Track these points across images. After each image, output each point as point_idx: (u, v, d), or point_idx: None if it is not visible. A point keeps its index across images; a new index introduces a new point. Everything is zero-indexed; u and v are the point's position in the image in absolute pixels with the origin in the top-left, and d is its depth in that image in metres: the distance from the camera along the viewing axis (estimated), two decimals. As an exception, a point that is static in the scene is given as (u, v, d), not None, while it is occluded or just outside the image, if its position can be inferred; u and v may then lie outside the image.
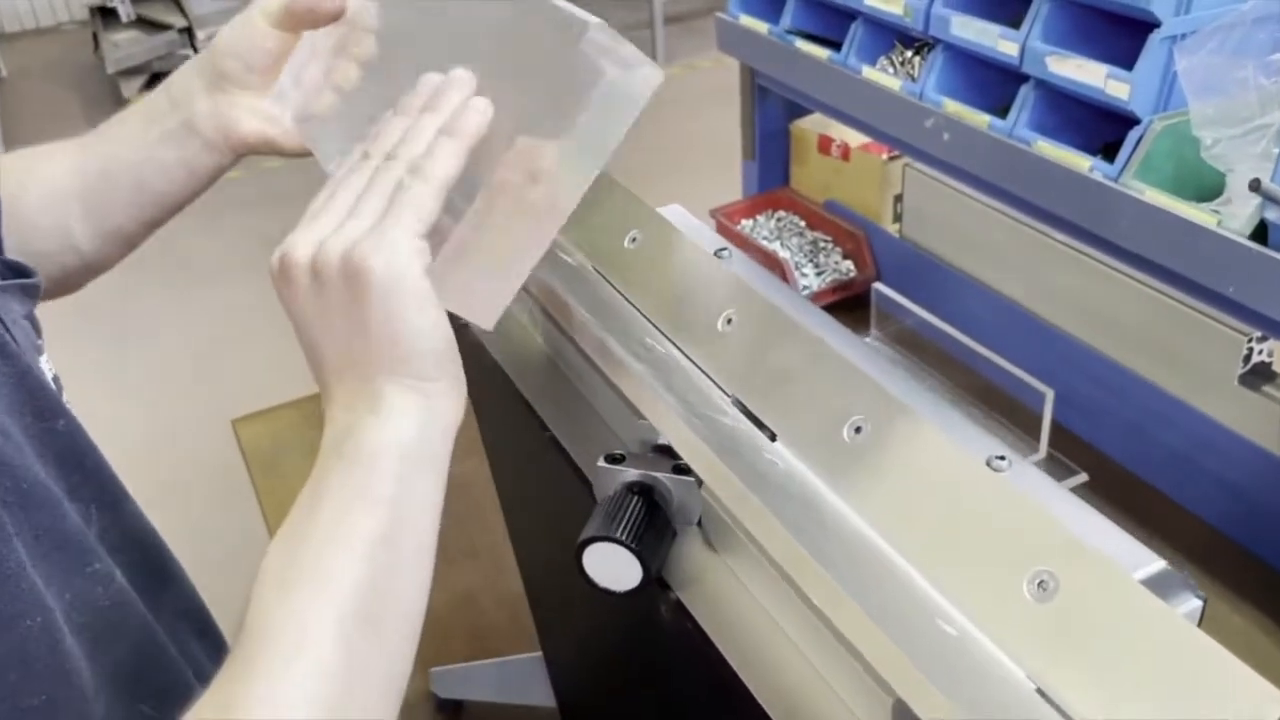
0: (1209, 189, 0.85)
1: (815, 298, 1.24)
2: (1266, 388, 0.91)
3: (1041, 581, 0.46)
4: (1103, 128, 0.92)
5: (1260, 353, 0.91)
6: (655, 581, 0.49)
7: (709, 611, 0.48)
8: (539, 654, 0.85)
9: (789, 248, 1.31)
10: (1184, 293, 0.88)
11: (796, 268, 1.27)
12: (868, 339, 1.20)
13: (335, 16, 0.60)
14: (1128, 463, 1.02)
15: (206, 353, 2.36)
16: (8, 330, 0.52)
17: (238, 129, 0.64)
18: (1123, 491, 1.00)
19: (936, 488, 0.51)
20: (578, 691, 0.81)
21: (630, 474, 0.52)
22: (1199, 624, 0.48)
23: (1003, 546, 0.48)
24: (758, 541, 0.44)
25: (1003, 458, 0.51)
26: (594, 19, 0.42)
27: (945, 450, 0.52)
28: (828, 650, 0.46)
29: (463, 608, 0.95)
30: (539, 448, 0.60)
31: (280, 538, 0.43)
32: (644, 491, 0.51)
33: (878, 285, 1.17)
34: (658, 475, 0.51)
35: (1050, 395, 1.01)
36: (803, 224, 1.35)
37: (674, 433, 0.50)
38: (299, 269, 0.46)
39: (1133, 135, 0.84)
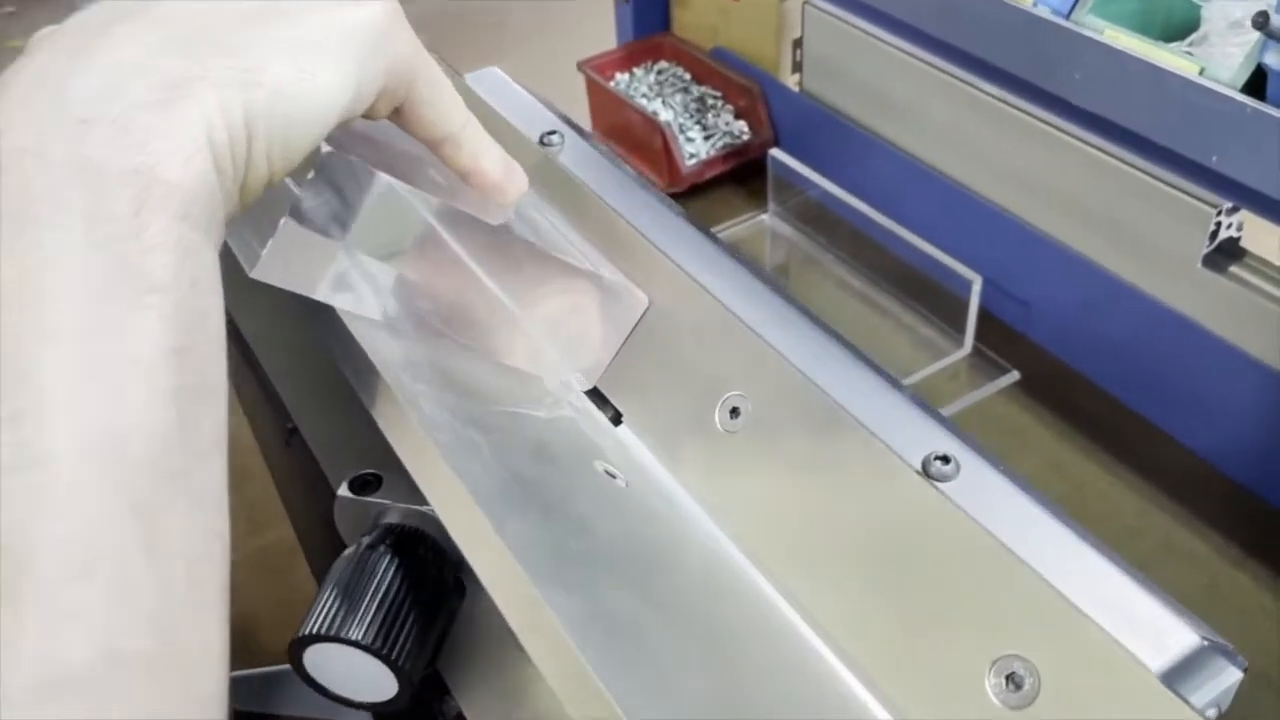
0: (1176, 27, 0.68)
1: (704, 167, 1.05)
2: (1233, 268, 0.76)
3: (1012, 674, 0.30)
4: (1047, -51, 0.73)
5: (1229, 227, 0.76)
6: (426, 684, 0.32)
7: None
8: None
9: (671, 106, 1.10)
10: (1146, 159, 0.71)
11: (681, 131, 1.08)
12: (764, 216, 1.02)
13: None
14: (1067, 358, 0.87)
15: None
16: None
17: None
18: (1060, 390, 0.86)
19: (849, 512, 0.34)
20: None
21: (388, 510, 0.34)
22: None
23: (954, 616, 0.31)
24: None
25: (946, 459, 0.34)
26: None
27: (862, 449, 0.35)
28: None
29: (271, 583, 0.77)
30: (281, 444, 0.41)
31: None
32: (405, 543, 0.32)
33: (775, 151, 0.98)
34: (429, 511, 0.33)
35: (978, 282, 0.85)
36: (687, 77, 1.14)
37: (415, 460, 0.31)
38: None
39: (1090, -43, 0.65)
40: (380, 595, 0.31)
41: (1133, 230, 0.80)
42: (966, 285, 0.85)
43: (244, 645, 1.03)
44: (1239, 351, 0.75)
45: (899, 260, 0.90)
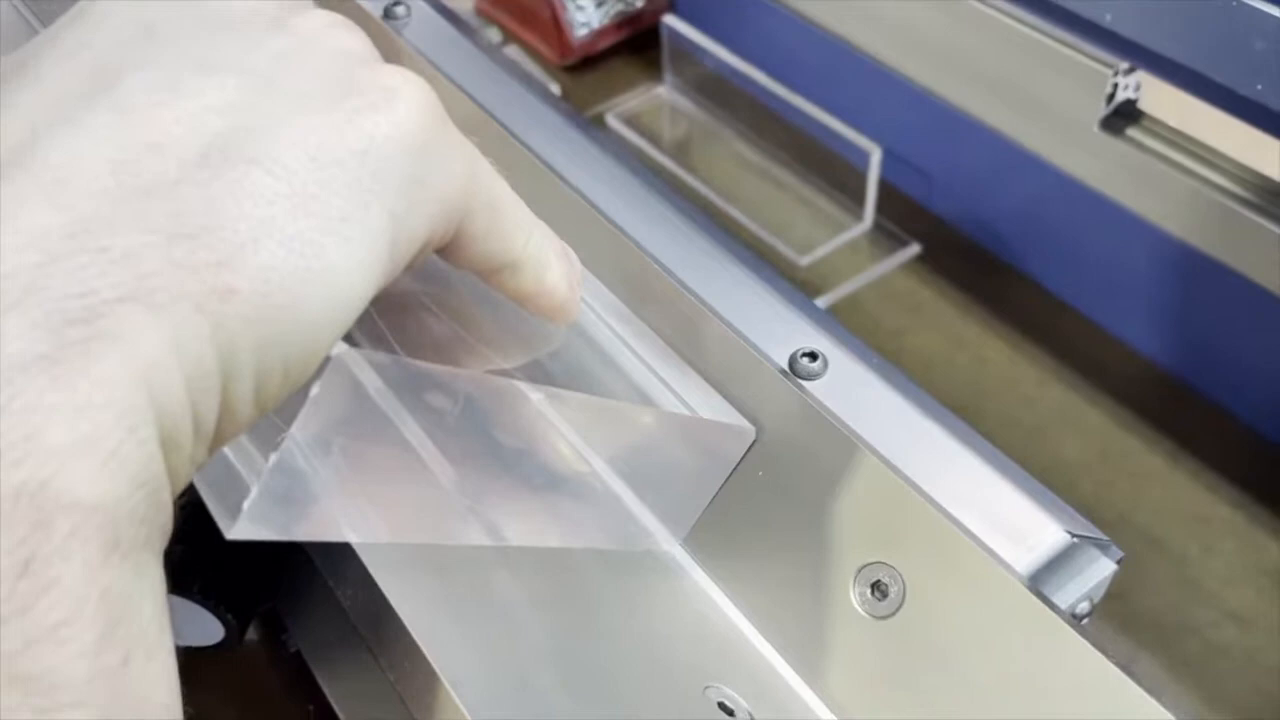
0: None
1: (596, 37, 1.00)
2: (1131, 130, 0.75)
3: (877, 582, 0.29)
4: None
5: (1126, 88, 0.74)
6: (263, 621, 0.30)
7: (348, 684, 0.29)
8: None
9: (561, -27, 1.04)
10: (1041, 17, 0.69)
11: (571, -1, 1.02)
12: (660, 89, 0.98)
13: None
14: (967, 229, 0.86)
15: None
16: None
17: None
18: (961, 263, 0.85)
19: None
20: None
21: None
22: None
23: (817, 524, 0.30)
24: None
25: (814, 355, 0.32)
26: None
27: (723, 348, 0.32)
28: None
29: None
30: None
31: None
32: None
33: (669, 19, 0.94)
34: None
35: (876, 153, 0.83)
36: (577, -60, 1.07)
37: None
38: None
39: None
40: (198, 531, 0.28)
41: (1029, 94, 0.77)
42: (866, 157, 0.83)
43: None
44: (1137, 217, 0.74)
45: (798, 133, 0.87)
